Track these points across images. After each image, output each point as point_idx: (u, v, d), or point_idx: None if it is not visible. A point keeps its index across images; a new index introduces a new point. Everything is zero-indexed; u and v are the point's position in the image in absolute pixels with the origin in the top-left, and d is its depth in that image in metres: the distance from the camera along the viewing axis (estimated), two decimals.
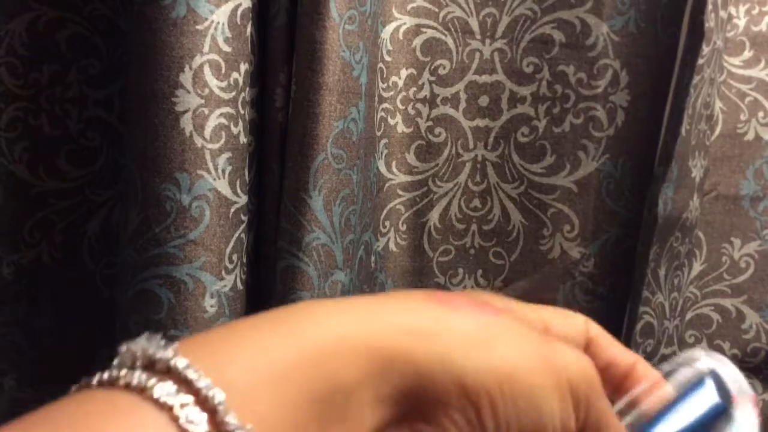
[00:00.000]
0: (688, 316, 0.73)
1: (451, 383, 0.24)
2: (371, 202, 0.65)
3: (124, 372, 0.22)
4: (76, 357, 0.63)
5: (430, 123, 0.67)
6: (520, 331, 0.27)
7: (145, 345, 0.22)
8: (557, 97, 0.66)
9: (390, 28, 0.64)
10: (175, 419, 0.20)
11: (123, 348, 0.23)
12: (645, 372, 0.31)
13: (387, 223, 0.68)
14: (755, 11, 0.68)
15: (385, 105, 0.65)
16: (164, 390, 0.21)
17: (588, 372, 0.27)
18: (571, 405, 0.26)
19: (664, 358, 0.70)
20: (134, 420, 0.20)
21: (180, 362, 0.21)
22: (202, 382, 0.21)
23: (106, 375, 0.22)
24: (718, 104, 0.69)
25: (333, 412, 0.23)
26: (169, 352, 0.22)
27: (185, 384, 0.21)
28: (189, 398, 0.21)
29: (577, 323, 0.32)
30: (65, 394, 0.22)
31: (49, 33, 0.58)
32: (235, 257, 0.56)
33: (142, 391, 0.21)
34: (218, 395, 0.21)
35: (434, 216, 0.69)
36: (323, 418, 0.23)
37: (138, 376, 0.21)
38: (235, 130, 0.54)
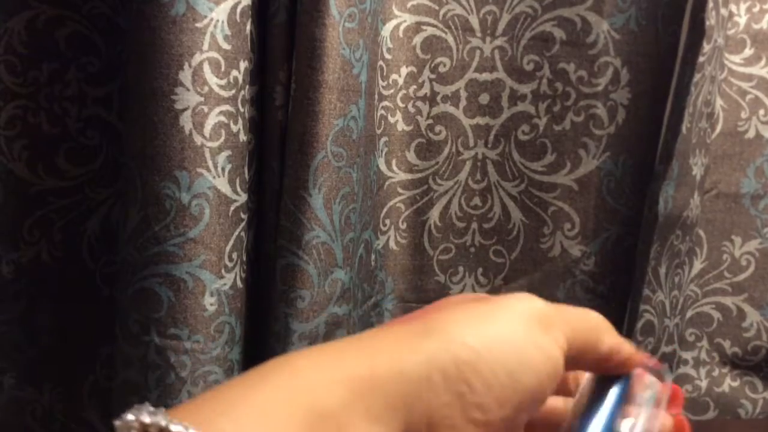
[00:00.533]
0: (689, 314, 0.73)
1: (435, 372, 0.26)
2: (371, 201, 0.65)
3: None
4: (76, 356, 0.63)
5: (430, 121, 0.67)
6: (475, 307, 0.30)
7: (137, 414, 0.24)
8: (558, 95, 0.66)
9: (390, 25, 0.64)
10: None
11: (118, 422, 0.24)
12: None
13: (387, 222, 0.68)
14: (756, 9, 0.68)
15: (385, 103, 0.65)
16: None
17: (533, 302, 0.30)
18: (539, 330, 0.28)
19: (665, 356, 0.70)
20: None
21: (171, 424, 0.23)
22: None
23: None
24: (719, 102, 0.69)
25: None
26: (160, 417, 0.23)
27: None
28: None
29: None
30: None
31: (49, 31, 0.57)
32: (234, 255, 0.56)
33: None
34: None
35: (434, 214, 0.69)
36: None
37: None
38: (234, 128, 0.54)
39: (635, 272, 0.66)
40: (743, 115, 0.69)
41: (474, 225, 0.69)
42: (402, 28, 0.65)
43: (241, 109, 0.55)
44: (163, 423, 0.23)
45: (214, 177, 0.53)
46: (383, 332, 0.28)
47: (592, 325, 0.31)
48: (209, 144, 0.52)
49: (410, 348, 0.26)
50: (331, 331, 0.59)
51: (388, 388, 0.25)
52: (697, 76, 0.61)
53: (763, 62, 0.68)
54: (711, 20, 0.60)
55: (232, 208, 0.55)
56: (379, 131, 0.65)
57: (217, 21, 0.51)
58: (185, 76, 0.51)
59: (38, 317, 0.62)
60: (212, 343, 0.55)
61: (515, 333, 0.28)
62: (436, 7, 0.65)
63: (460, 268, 0.70)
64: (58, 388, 0.63)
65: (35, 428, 0.63)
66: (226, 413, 0.23)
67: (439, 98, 0.67)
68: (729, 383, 0.74)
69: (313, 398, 0.24)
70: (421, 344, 0.26)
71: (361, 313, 0.65)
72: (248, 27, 0.54)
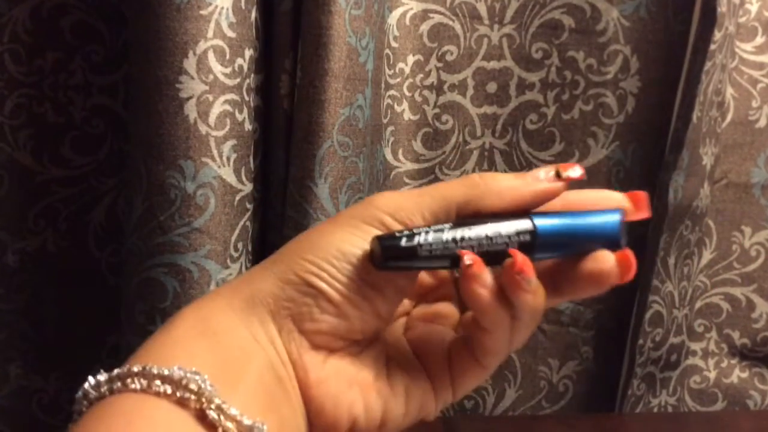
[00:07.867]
0: (698, 305, 0.73)
1: (284, 284, 0.34)
2: (378, 190, 0.65)
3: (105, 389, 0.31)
4: (82, 345, 0.63)
5: (437, 110, 0.67)
6: (315, 228, 0.37)
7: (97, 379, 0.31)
8: (566, 84, 0.66)
9: (397, 13, 0.63)
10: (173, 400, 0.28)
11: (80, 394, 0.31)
12: None
13: None
14: None
15: (392, 92, 0.65)
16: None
17: (370, 204, 0.35)
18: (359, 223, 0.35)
19: (673, 347, 0.69)
20: (145, 406, 0.29)
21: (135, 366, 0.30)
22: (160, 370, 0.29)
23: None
24: (730, 91, 0.68)
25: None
26: (124, 369, 0.30)
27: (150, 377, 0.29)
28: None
29: None
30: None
31: (53, 19, 0.57)
32: (240, 245, 0.56)
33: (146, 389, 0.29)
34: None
35: None
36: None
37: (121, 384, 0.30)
38: (239, 117, 0.53)
39: (644, 262, 0.65)
40: (754, 104, 0.68)
41: None
42: (409, 15, 0.64)
43: (246, 98, 0.54)
44: (135, 368, 0.30)
45: (219, 166, 0.53)
46: (253, 269, 0.35)
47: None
48: (214, 133, 0.52)
49: (262, 275, 0.34)
50: None
51: (247, 293, 0.33)
52: (707, 65, 0.60)
53: None
54: (722, 7, 0.59)
55: (237, 198, 0.55)
56: (385, 120, 0.65)
57: (222, 8, 0.51)
58: (190, 64, 0.50)
59: (44, 307, 0.62)
60: None
61: (334, 234, 0.34)
62: None
63: None
64: (64, 377, 0.63)
65: (41, 417, 0.63)
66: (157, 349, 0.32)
67: (446, 87, 0.66)
68: (738, 374, 0.74)
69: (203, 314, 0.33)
70: (272, 269, 0.34)
71: None
72: (253, 14, 0.54)
